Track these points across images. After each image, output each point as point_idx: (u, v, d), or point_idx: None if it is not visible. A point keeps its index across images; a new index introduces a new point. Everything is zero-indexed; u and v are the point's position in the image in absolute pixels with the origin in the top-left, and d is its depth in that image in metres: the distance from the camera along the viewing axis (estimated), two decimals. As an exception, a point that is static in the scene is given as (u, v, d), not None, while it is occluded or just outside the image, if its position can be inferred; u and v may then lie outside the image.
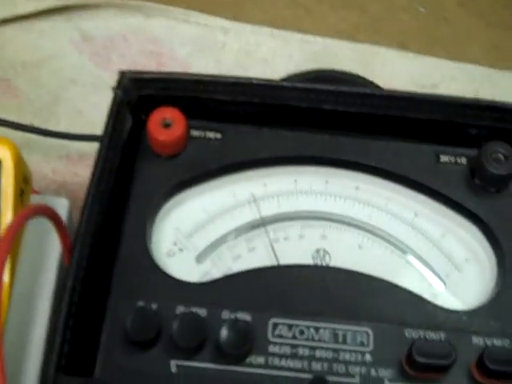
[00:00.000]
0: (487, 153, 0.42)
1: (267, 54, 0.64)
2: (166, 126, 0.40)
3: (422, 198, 0.43)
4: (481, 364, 0.36)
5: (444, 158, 0.43)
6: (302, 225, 0.42)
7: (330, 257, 0.41)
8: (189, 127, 0.42)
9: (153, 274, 0.38)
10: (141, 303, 0.37)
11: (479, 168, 0.42)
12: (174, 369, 0.35)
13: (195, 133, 0.43)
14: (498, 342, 0.37)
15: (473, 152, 0.43)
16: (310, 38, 0.65)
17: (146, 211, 0.40)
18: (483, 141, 0.42)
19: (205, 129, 0.43)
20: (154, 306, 0.37)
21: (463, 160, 0.43)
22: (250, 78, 0.43)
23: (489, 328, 0.38)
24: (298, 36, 0.65)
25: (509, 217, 0.41)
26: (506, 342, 0.37)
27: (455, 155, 0.43)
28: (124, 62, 0.61)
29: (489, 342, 0.37)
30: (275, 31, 0.65)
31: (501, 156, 0.41)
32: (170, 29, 0.64)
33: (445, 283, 0.41)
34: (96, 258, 0.38)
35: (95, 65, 0.61)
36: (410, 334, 0.37)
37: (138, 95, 0.42)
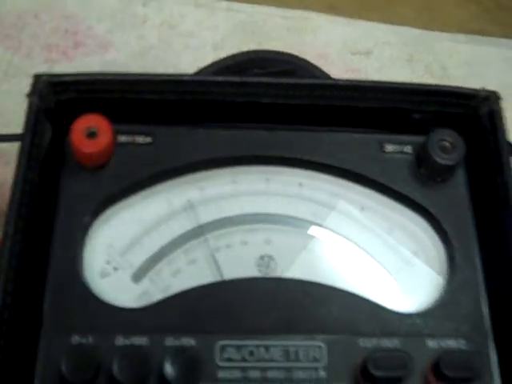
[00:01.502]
0: (433, 141, 0.40)
1: (192, 27, 0.60)
2: (91, 135, 0.37)
3: (367, 191, 0.41)
4: (437, 370, 0.35)
5: (389, 148, 0.41)
6: (244, 230, 0.39)
7: (275, 263, 0.39)
8: (115, 133, 0.38)
9: (86, 301, 0.35)
10: (76, 338, 0.34)
11: (425, 158, 0.40)
12: (117, 408, 0.33)
13: (123, 138, 0.39)
14: (453, 344, 0.36)
15: (419, 139, 0.41)
16: (236, 5, 0.62)
17: (74, 230, 0.37)
18: (429, 126, 0.40)
19: (133, 133, 0.39)
20: (91, 340, 0.34)
21: (409, 149, 0.41)
22: (181, 75, 0.39)
23: (443, 329, 0.37)
24: (223, 4, 0.62)
25: (456, 207, 0.40)
26: (462, 343, 0.36)
27: (400, 144, 0.41)
28: (36, 43, 0.56)
29: (444, 345, 0.36)
30: (199, 0, 0.61)
31: (447, 144, 0.40)
32: (84, 3, 0.59)
33: (395, 280, 0.39)
34: (23, 289, 0.35)
35: (4, 48, 0.56)
36: (364, 343, 0.36)
37: (57, 100, 0.38)
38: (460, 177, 0.41)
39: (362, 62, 0.59)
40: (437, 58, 0.62)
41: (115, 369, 0.32)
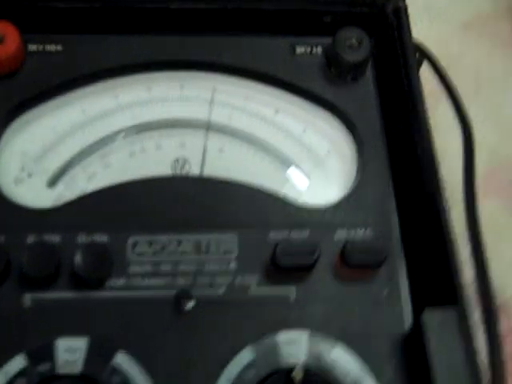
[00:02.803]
0: (340, 40, 0.40)
1: None
2: (-2, 41, 0.37)
3: (281, 93, 0.42)
4: (343, 257, 0.36)
5: (300, 50, 0.42)
6: (158, 135, 0.40)
7: (189, 165, 0.40)
8: (25, 42, 0.39)
9: (-1, 205, 0.36)
10: (-13, 237, 0.35)
11: (334, 57, 0.41)
12: (28, 303, 0.34)
13: (33, 47, 0.39)
14: (359, 233, 0.37)
15: (328, 41, 0.41)
16: None
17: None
18: (338, 28, 0.41)
19: (44, 42, 0.40)
20: (2, 239, 0.35)
21: (319, 50, 0.42)
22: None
23: (351, 220, 0.38)
24: None
25: (365, 104, 0.41)
26: (368, 232, 0.38)
27: (311, 45, 0.42)
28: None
29: (351, 234, 0.37)
30: None
31: (354, 42, 0.40)
32: None
33: (309, 178, 0.40)
34: None
35: None
36: (275, 235, 0.37)
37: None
38: (369, 76, 0.41)
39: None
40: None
41: (25, 262, 0.33)
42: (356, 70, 0.41)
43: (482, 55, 0.50)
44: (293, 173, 0.40)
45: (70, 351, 0.33)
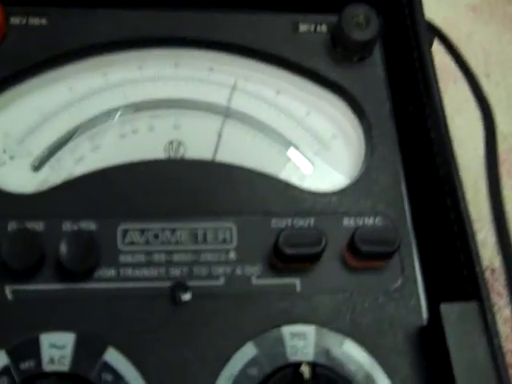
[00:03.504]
0: (347, 17, 0.38)
1: None
2: (-23, 14, 0.34)
3: (283, 73, 0.39)
4: (352, 246, 0.33)
5: (303, 28, 0.39)
6: (151, 115, 0.37)
7: (184, 148, 0.37)
8: (7, 15, 0.36)
9: (-23, 189, 0.33)
10: (-36, 225, 0.32)
11: (340, 35, 0.38)
12: (9, 295, 0.31)
13: (16, 20, 0.36)
14: (368, 221, 0.35)
15: (334, 18, 0.39)
16: None
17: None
18: (344, 5, 0.38)
19: (27, 14, 0.37)
20: (-19, 226, 0.32)
21: (323, 28, 0.39)
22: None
23: (359, 207, 0.35)
24: None
25: (373, 85, 0.38)
26: (378, 220, 0.35)
27: (315, 23, 0.39)
28: None
29: (359, 222, 0.35)
30: None
31: (361, 19, 0.38)
32: None
33: (313, 164, 0.38)
34: None
35: None
36: (277, 223, 0.34)
37: None
38: (377, 56, 0.39)
39: None
40: None
41: (5, 252, 0.30)
42: (363, 49, 0.38)
43: (490, 37, 0.48)
44: (295, 157, 0.38)
45: (56, 347, 0.30)
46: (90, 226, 0.33)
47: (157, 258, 0.33)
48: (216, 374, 0.31)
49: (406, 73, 0.38)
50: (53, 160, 0.36)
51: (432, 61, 0.37)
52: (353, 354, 0.32)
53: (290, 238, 0.33)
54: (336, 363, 0.32)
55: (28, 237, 0.31)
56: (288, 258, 0.33)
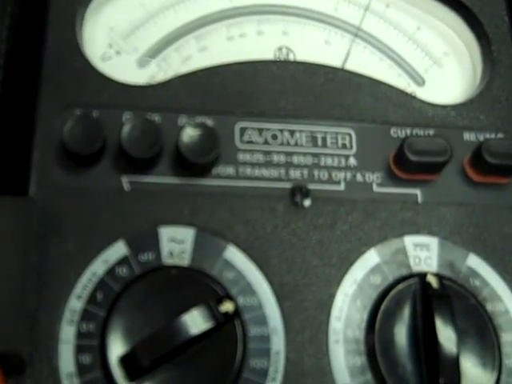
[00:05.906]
0: None
1: None
2: None
3: (394, -14, 0.37)
4: (477, 159, 0.32)
5: None
6: (259, 20, 0.35)
7: (294, 55, 0.35)
8: None
9: (90, 77, 0.31)
10: (79, 111, 0.30)
11: None
12: (126, 186, 0.29)
13: None
14: (490, 136, 0.33)
15: None
16: None
17: (72, 5, 0.32)
18: None
19: None
20: (96, 114, 0.30)
21: None
22: None
23: (480, 123, 0.33)
24: None
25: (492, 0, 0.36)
26: (498, 136, 0.33)
27: None
28: None
29: (481, 137, 0.33)
30: None
31: None
32: None
33: (423, 80, 0.36)
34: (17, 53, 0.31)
35: None
36: (397, 133, 0.32)
37: None
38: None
39: None
40: None
41: (125, 140, 0.28)
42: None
43: None
44: (406, 71, 0.36)
45: (176, 241, 0.28)
46: (206, 121, 0.31)
47: (276, 158, 0.31)
48: (339, 278, 0.29)
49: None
50: (159, 57, 0.34)
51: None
52: (477, 268, 0.30)
53: (415, 145, 0.31)
54: (460, 277, 0.30)
55: (147, 126, 0.29)
56: (411, 166, 0.31)
